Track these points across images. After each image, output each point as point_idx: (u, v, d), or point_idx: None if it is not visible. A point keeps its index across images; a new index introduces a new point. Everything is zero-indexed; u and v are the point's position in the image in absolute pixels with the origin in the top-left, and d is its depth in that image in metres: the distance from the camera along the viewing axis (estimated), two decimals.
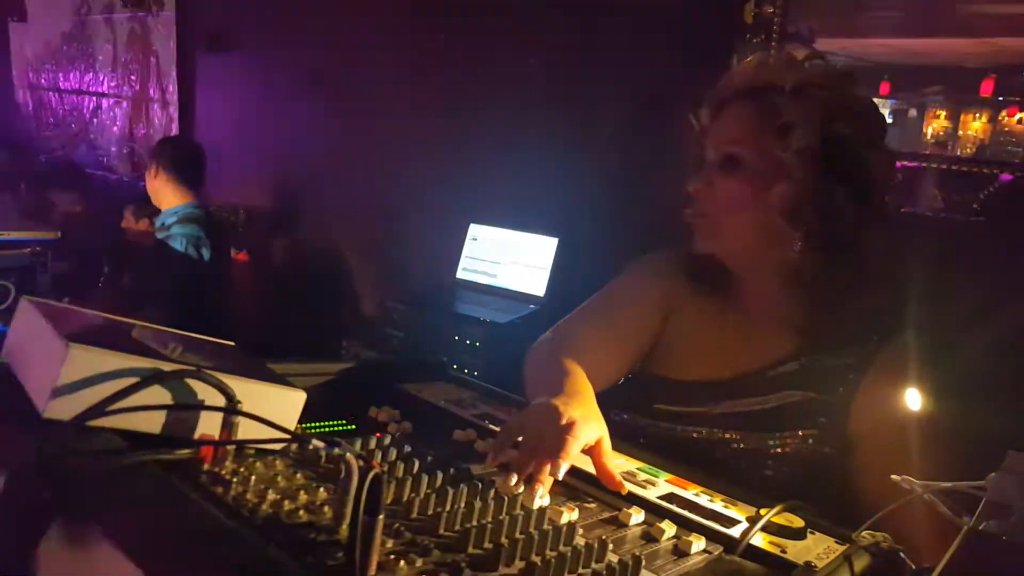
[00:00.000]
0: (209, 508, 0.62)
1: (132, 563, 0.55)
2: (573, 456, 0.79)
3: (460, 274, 2.63)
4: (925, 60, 1.82)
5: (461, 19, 2.80)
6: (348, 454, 0.60)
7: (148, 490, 0.64)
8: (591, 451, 0.84)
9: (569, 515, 0.73)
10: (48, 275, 2.06)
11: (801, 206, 1.05)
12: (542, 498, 0.75)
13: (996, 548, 0.64)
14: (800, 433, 1.09)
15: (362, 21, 3.14)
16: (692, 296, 1.22)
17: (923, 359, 1.07)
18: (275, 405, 0.74)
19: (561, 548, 0.65)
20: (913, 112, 1.81)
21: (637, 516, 0.76)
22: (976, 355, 1.40)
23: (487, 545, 0.64)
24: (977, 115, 1.72)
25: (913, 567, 0.71)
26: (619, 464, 0.88)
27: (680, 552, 0.71)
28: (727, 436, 1.12)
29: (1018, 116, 1.66)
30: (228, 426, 0.71)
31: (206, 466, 0.69)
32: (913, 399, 0.95)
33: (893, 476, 0.73)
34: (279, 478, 0.70)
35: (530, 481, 0.77)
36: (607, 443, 0.85)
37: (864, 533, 0.74)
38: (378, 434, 0.85)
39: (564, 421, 0.82)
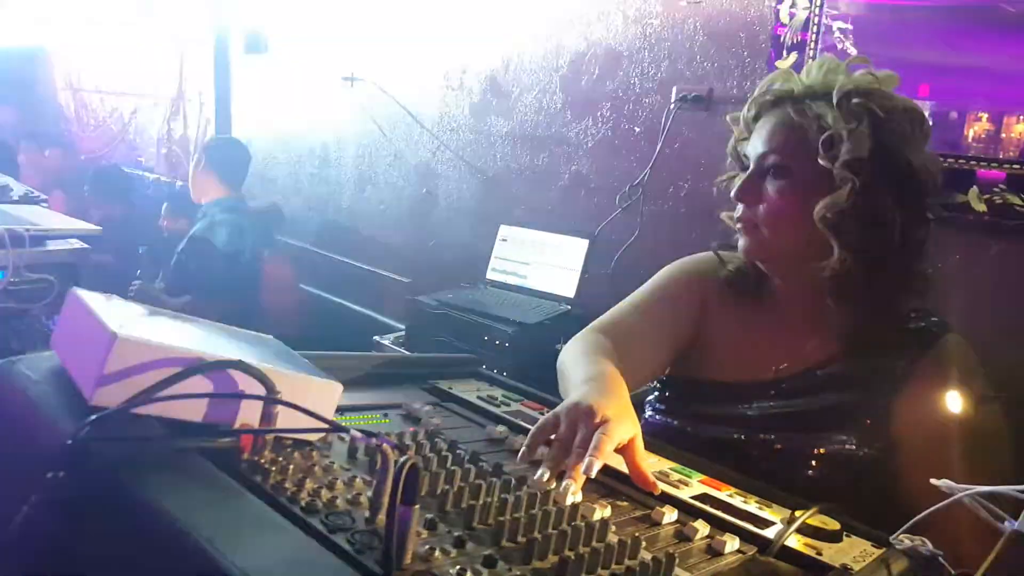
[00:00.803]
0: (249, 496, 0.63)
1: (174, 549, 0.56)
2: (606, 455, 0.79)
3: (490, 274, 2.64)
4: (966, 61, 1.78)
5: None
6: (385, 444, 0.61)
7: (190, 477, 0.65)
8: (624, 450, 0.84)
9: (602, 512, 0.73)
10: (89, 271, 2.11)
11: (848, 215, 1.03)
12: (574, 495, 0.75)
13: None
14: (842, 435, 1.08)
15: (394, 20, 3.17)
16: (729, 298, 1.21)
17: (968, 363, 1.06)
18: (313, 396, 0.75)
19: (594, 544, 0.65)
20: (954, 115, 1.78)
21: (670, 515, 0.76)
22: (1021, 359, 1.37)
23: (520, 539, 0.64)
24: (1021, 117, 1.68)
25: (953, 572, 0.70)
26: (652, 464, 0.88)
27: (714, 551, 0.71)
28: (768, 437, 1.10)
29: None
30: (267, 416, 0.72)
31: (245, 455, 0.70)
32: (957, 402, 0.94)
33: (933, 480, 0.72)
34: (316, 468, 0.71)
35: (562, 478, 0.77)
36: (640, 442, 0.85)
37: (902, 537, 0.73)
38: (411, 428, 0.86)
39: (598, 419, 0.82)
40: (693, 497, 0.82)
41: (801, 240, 1.08)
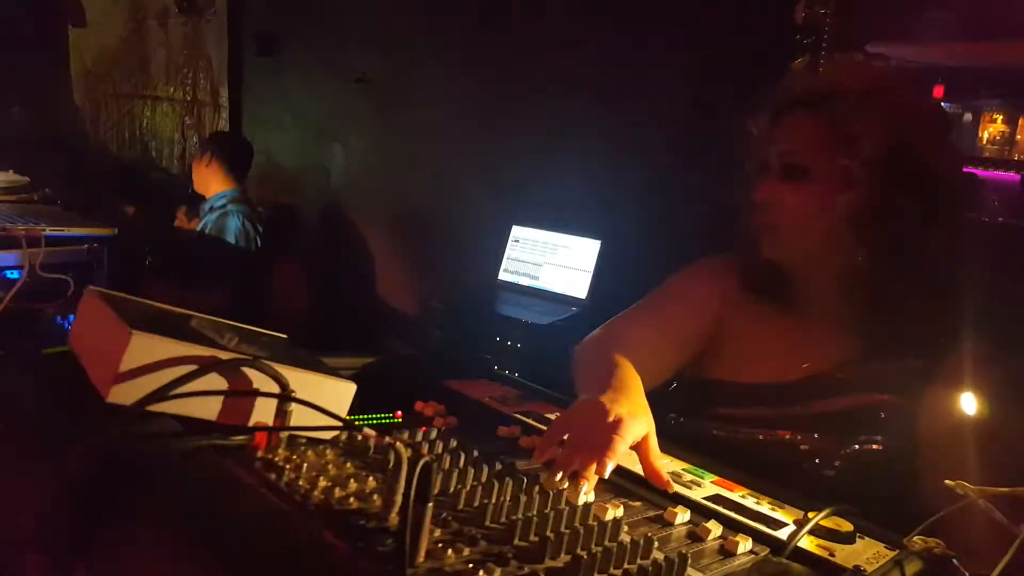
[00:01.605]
0: (263, 493, 0.64)
1: (188, 544, 0.57)
2: (619, 455, 0.79)
3: (502, 275, 2.64)
4: (981, 63, 1.77)
5: (506, 20, 2.82)
6: (398, 443, 0.61)
7: (204, 473, 0.66)
8: (638, 447, 0.83)
9: (614, 512, 0.73)
10: (104, 270, 2.13)
11: (868, 214, 1.03)
12: (587, 495, 0.75)
13: None
14: (866, 435, 1.07)
15: (408, 24, 3.18)
16: (749, 300, 1.20)
17: (988, 364, 1.05)
18: (326, 395, 0.76)
19: (607, 543, 0.65)
20: (968, 116, 1.76)
21: (683, 515, 0.76)
22: None
23: (533, 538, 0.64)
24: None
25: (967, 574, 0.70)
26: (665, 464, 0.88)
27: (726, 552, 0.71)
28: (792, 438, 1.10)
29: None
30: (282, 415, 0.72)
31: (260, 453, 0.71)
32: (978, 404, 0.93)
33: (947, 481, 0.72)
34: (330, 466, 0.71)
35: (575, 478, 0.77)
36: (654, 440, 0.85)
37: (916, 538, 0.73)
38: (424, 427, 0.86)
39: (611, 419, 0.82)
40: (706, 498, 0.82)
41: (821, 240, 1.08)
